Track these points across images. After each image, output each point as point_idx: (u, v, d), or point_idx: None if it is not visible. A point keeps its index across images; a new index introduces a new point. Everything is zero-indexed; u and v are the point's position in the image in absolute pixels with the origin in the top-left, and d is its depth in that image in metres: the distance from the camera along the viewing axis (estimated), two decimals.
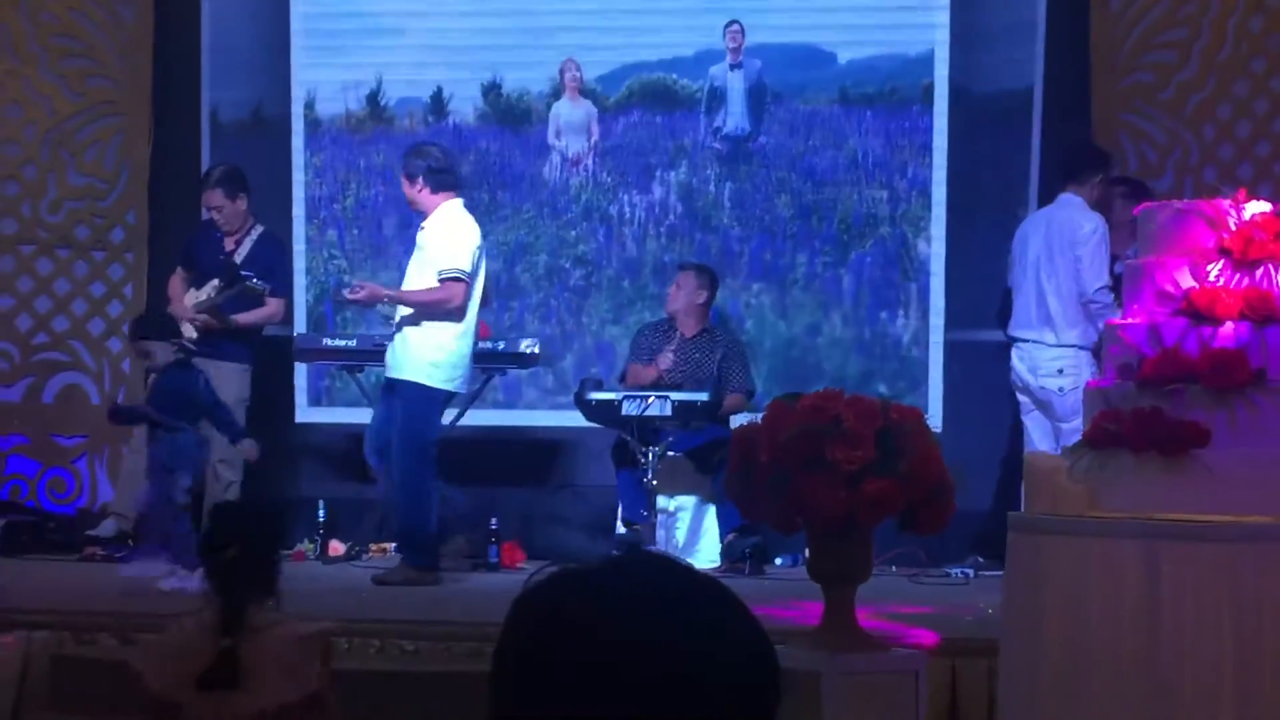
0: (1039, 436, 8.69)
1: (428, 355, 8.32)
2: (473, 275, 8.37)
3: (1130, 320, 5.75)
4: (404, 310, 8.41)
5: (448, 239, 8.38)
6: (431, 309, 8.31)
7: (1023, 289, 8.82)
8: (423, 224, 8.54)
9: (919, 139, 10.43)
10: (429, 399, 8.36)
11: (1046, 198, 9.27)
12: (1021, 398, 8.85)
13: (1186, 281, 5.61)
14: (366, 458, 8.61)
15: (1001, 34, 10.36)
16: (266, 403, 9.80)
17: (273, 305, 9.42)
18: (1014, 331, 8.88)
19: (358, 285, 8.60)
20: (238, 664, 4.48)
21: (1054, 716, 4.83)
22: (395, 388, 8.38)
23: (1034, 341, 8.73)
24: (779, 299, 10.46)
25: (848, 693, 4.96)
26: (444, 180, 8.50)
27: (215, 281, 9.31)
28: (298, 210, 10.60)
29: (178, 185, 10.31)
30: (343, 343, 9.58)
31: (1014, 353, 8.83)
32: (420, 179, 8.46)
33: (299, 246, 10.52)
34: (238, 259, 9.42)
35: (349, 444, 9.09)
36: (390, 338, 8.52)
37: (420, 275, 8.43)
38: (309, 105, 10.69)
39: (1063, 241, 8.66)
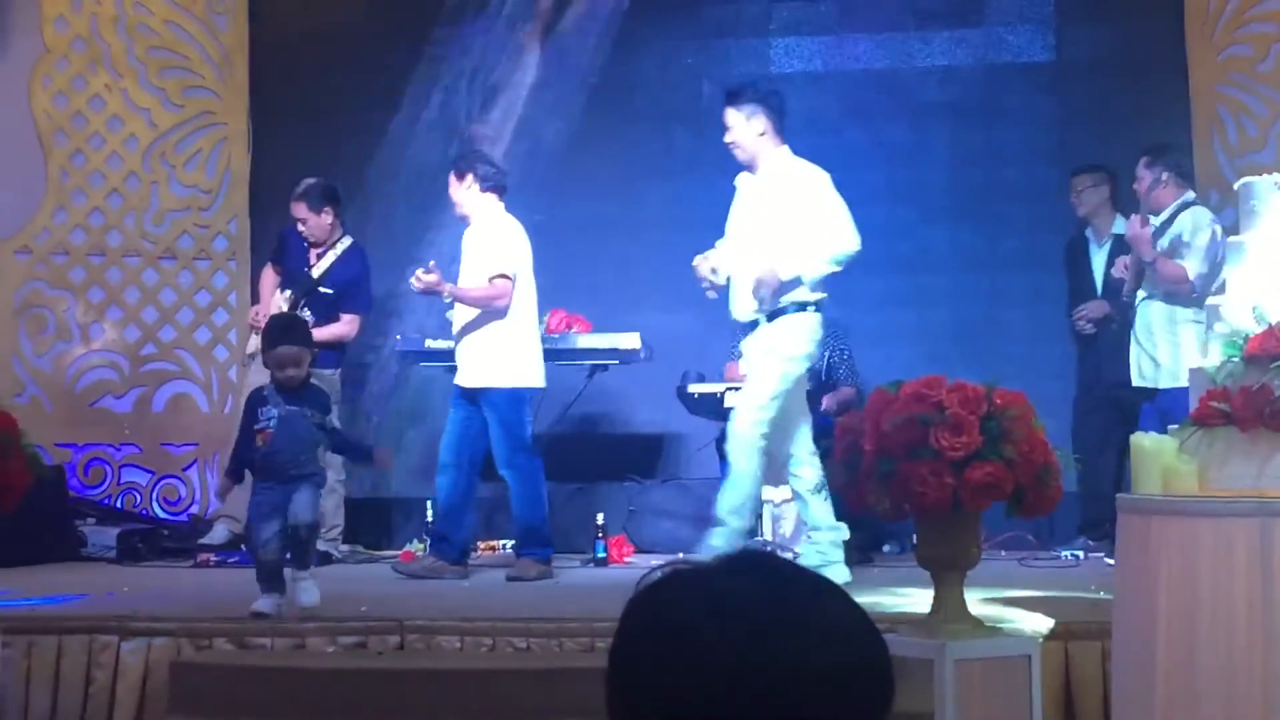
0: None
1: (504, 356, 8.37)
2: (519, 273, 8.41)
3: (1234, 296, 5.69)
4: (461, 318, 8.48)
5: (494, 242, 8.43)
6: (482, 305, 8.38)
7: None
8: (466, 230, 8.57)
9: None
10: (518, 400, 8.41)
11: None
12: None
13: None
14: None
15: (1098, 7, 10.27)
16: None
17: (344, 323, 9.37)
18: None
19: (433, 267, 8.40)
20: None
21: (1169, 698, 4.79)
22: (477, 397, 8.41)
23: None
24: (910, 287, 10.41)
25: (960, 679, 4.94)
26: (492, 180, 8.52)
27: (288, 293, 9.30)
28: None
29: (278, 193, 10.43)
30: (444, 344, 9.61)
31: None
32: (470, 175, 8.49)
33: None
34: (317, 272, 9.40)
35: None
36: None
37: (471, 281, 8.48)
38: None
39: None
